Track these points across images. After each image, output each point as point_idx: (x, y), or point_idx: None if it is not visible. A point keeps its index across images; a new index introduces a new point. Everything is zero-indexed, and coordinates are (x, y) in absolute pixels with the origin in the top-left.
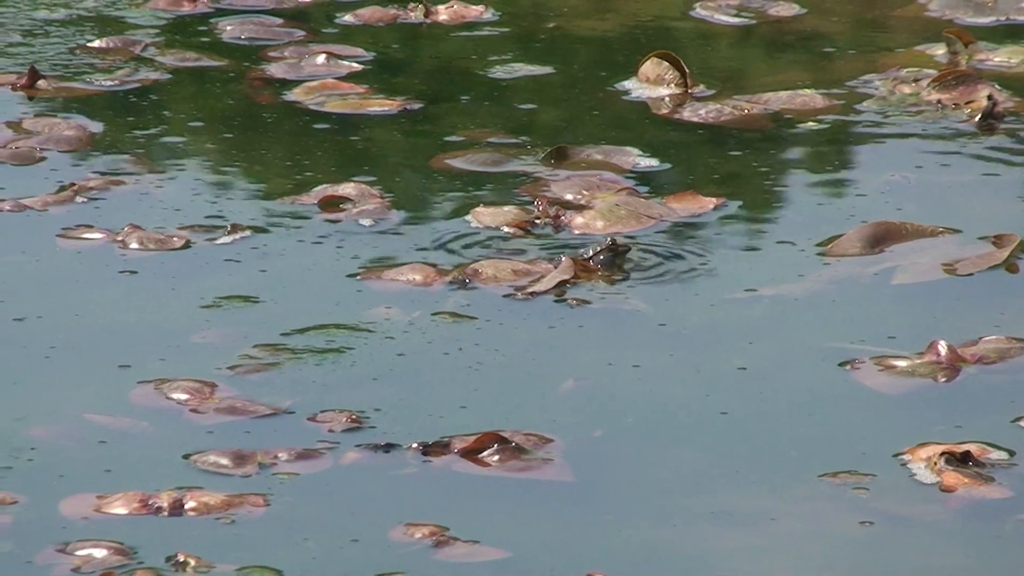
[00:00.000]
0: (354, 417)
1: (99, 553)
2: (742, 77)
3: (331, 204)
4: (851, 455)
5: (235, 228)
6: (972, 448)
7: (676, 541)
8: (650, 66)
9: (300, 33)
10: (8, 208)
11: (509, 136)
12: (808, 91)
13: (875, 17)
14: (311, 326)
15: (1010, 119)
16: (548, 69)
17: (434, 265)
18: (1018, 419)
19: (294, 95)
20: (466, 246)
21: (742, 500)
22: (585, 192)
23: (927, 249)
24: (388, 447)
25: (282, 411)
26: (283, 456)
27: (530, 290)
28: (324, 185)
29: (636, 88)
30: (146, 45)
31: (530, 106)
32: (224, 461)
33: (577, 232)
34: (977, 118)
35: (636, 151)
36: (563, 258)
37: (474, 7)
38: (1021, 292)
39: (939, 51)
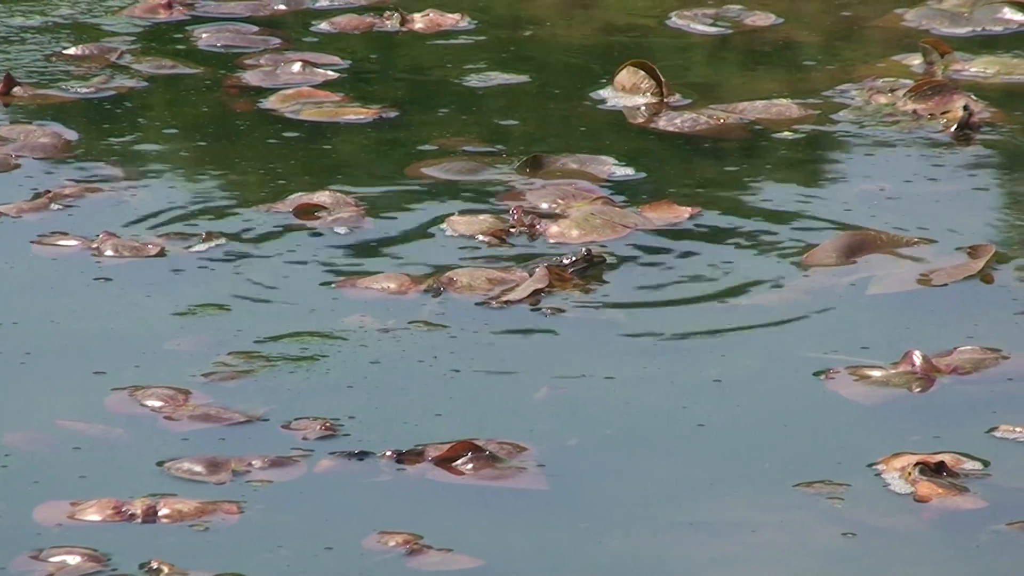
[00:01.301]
0: (328, 425)
1: (73, 560)
2: (718, 87)
3: (306, 212)
4: (826, 465)
5: (210, 236)
6: (946, 458)
7: (651, 550)
8: (626, 75)
9: (276, 41)
10: None
11: (484, 145)
12: (784, 101)
13: (851, 27)
14: (286, 334)
15: (986, 129)
16: (524, 78)
17: (409, 273)
18: (992, 429)
19: (270, 103)
20: (441, 255)
21: (717, 509)
22: (560, 201)
23: (902, 259)
24: (362, 455)
25: (256, 418)
26: (257, 463)
27: (505, 299)
28: (299, 193)
29: (612, 97)
30: (122, 52)
31: (505, 115)
32: (198, 468)
33: (552, 241)
34: (953, 128)
35: (612, 160)
36: (538, 267)
37: (450, 16)
38: (996, 303)
39: (915, 61)
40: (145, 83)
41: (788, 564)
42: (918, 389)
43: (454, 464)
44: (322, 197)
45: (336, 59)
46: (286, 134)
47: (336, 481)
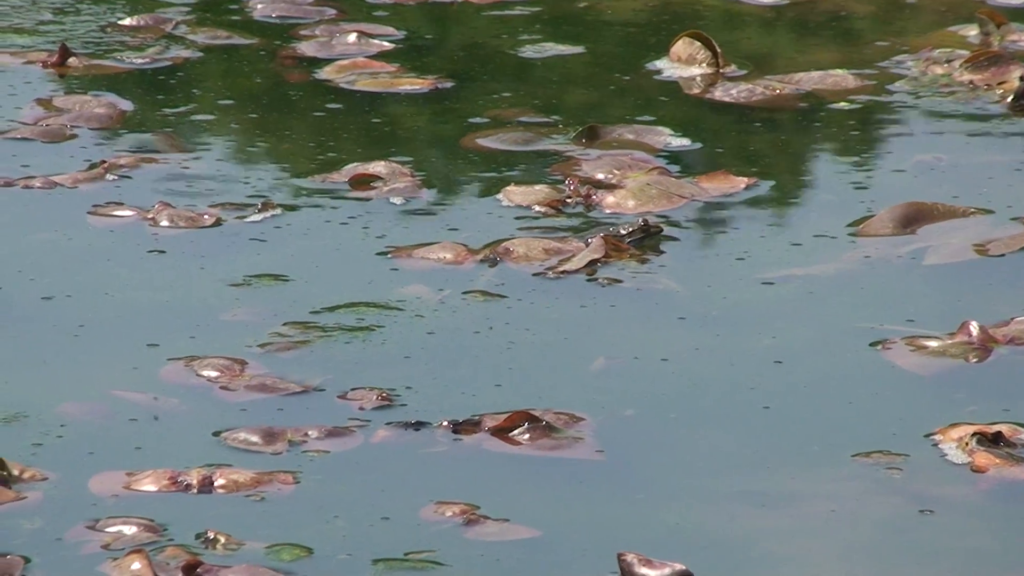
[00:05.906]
0: (384, 395)
1: (129, 530)
2: (773, 58)
3: (362, 182)
4: (883, 435)
5: (265, 206)
6: (1003, 429)
7: (707, 521)
8: (682, 46)
9: (331, 12)
10: (39, 185)
11: (540, 115)
12: (840, 71)
13: None
14: (341, 304)
15: None
16: (579, 49)
17: (465, 244)
18: None
19: (325, 73)
20: (497, 225)
21: (774, 480)
22: (616, 171)
23: (959, 230)
24: (418, 425)
25: (312, 389)
26: (313, 434)
27: (561, 269)
28: (355, 163)
29: (668, 68)
30: (177, 23)
31: (561, 86)
32: (254, 438)
33: (608, 211)
34: (1009, 99)
35: (668, 131)
36: (594, 237)
37: None
38: None
39: (971, 32)
40: (200, 54)
41: (845, 535)
42: (975, 359)
43: (511, 434)
44: (377, 167)
45: (391, 30)
46: (341, 105)
47: (392, 451)
